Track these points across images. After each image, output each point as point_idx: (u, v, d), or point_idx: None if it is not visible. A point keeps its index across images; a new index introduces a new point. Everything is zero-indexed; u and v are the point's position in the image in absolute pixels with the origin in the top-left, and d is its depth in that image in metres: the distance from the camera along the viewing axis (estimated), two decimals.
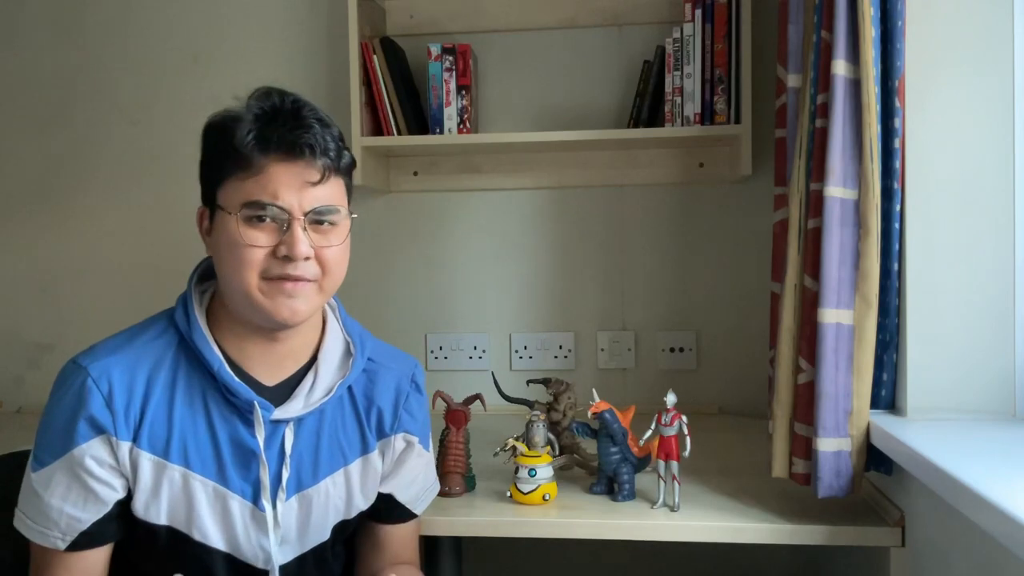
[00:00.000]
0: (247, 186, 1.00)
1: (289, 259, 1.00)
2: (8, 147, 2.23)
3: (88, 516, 1.02)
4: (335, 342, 1.14)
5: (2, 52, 2.22)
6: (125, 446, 1.01)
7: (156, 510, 1.04)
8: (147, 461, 1.02)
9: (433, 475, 1.27)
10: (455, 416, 1.41)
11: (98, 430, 1.00)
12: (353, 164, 1.09)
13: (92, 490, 1.01)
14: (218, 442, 1.05)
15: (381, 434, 1.16)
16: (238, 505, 1.06)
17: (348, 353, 1.15)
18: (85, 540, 1.02)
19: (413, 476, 1.20)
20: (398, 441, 1.17)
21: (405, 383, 1.19)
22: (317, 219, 1.02)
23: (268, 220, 1.00)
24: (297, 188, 1.00)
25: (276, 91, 1.04)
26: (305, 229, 1.01)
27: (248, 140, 0.99)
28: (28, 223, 2.24)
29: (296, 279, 1.01)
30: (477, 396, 1.46)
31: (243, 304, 1.04)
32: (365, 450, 1.15)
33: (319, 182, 1.02)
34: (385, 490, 1.18)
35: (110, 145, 2.20)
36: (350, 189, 1.10)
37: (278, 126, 1.00)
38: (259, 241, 1.00)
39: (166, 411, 1.04)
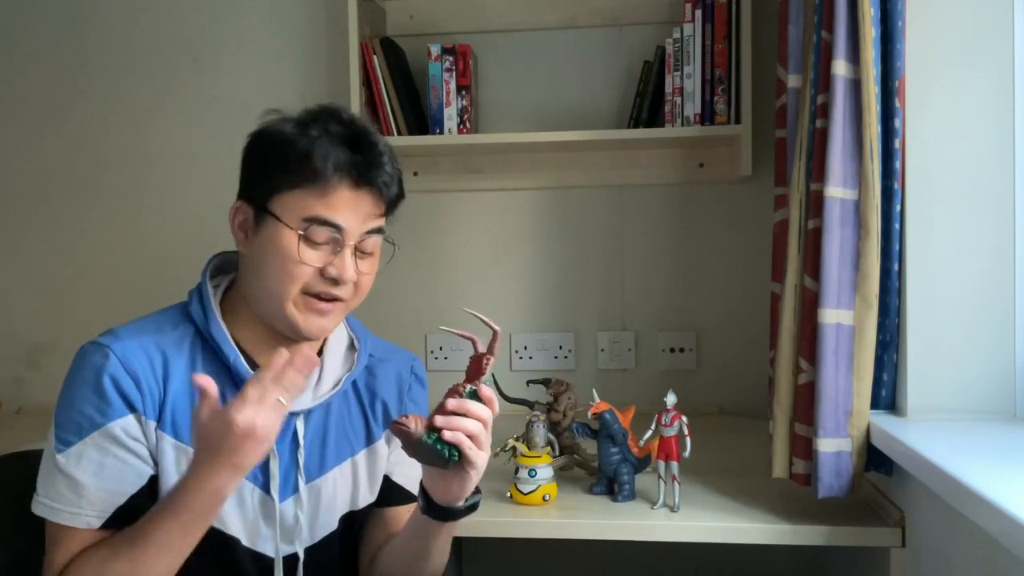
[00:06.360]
0: (312, 202, 1.02)
1: (335, 281, 1.03)
2: (8, 147, 2.23)
3: (126, 488, 1.01)
4: (339, 337, 1.18)
5: (2, 52, 2.22)
6: (151, 425, 1.02)
7: None
8: (169, 446, 1.03)
9: None
10: (475, 367, 1.06)
11: (129, 407, 1.01)
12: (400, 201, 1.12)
13: (127, 463, 1.01)
14: None
15: (388, 423, 1.17)
16: (251, 494, 1.07)
17: (351, 348, 1.18)
18: (120, 516, 1.00)
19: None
20: None
21: (406, 374, 1.22)
22: (364, 249, 1.06)
23: (323, 243, 1.03)
24: (360, 217, 1.04)
25: (347, 113, 1.06)
26: (353, 254, 1.05)
27: (327, 159, 1.00)
28: (28, 223, 2.24)
29: (333, 299, 1.05)
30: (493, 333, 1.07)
31: (272, 312, 1.06)
32: (370, 440, 1.17)
33: (380, 216, 1.07)
34: (384, 471, 1.19)
35: (110, 145, 2.20)
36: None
37: (356, 154, 1.02)
38: (312, 261, 1.03)
39: (186, 397, 1.05)
